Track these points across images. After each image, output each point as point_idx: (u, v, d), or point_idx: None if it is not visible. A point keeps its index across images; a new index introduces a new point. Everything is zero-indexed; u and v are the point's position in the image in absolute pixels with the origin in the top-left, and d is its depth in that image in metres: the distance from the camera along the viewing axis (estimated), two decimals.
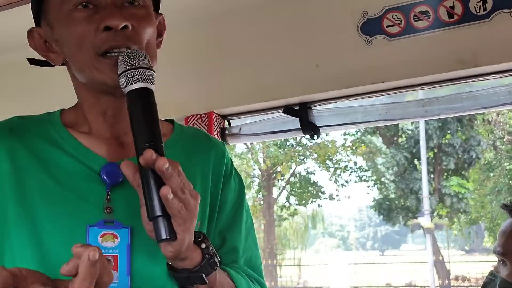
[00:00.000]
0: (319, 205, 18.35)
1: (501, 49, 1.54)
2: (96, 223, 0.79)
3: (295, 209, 17.88)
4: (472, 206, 15.81)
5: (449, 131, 14.17)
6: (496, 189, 14.72)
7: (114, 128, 0.87)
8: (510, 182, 14.72)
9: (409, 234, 13.69)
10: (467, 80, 1.64)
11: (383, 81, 1.72)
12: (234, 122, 2.00)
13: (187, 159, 0.90)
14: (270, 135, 1.95)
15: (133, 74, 0.73)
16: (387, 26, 1.71)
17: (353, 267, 16.04)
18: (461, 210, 14.86)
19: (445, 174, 15.07)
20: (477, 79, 1.62)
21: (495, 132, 14.40)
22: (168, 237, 0.69)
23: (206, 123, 1.88)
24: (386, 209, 16.04)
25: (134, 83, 0.73)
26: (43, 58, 0.89)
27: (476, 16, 1.57)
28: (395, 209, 16.01)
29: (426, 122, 13.44)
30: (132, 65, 0.73)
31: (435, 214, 15.14)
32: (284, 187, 17.46)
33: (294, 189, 17.46)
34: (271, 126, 1.93)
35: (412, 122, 13.77)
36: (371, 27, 1.73)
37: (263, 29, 1.90)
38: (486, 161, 15.09)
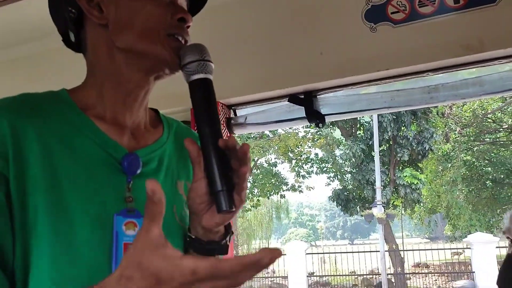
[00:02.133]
0: (281, 196, 18.72)
1: (507, 34, 1.53)
2: (120, 212, 0.81)
3: (258, 200, 18.30)
4: (428, 197, 16.20)
5: (403, 124, 14.48)
6: (452, 179, 14.99)
7: (129, 115, 0.88)
8: (467, 172, 14.95)
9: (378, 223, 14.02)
10: (473, 66, 1.63)
11: (388, 68, 1.72)
12: (240, 112, 2.00)
13: (180, 150, 0.92)
14: (275, 124, 1.95)
15: (205, 65, 0.81)
16: (392, 13, 1.70)
17: (320, 256, 16.48)
18: (415, 200, 15.21)
19: (401, 165, 15.52)
20: (482, 64, 1.62)
21: (449, 124, 14.63)
22: (229, 209, 0.78)
23: None
24: (344, 200, 16.52)
25: (204, 73, 0.81)
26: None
27: (482, 1, 1.56)
28: (352, 199, 16.55)
29: (381, 114, 13.74)
30: (203, 57, 0.82)
31: (390, 205, 15.58)
32: None
33: (256, 180, 17.91)
34: (276, 115, 1.93)
35: (369, 115, 14.02)
36: (376, 14, 1.72)
37: (267, 18, 1.89)
38: (445, 153, 15.35)
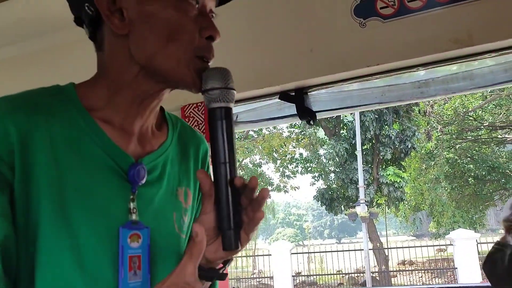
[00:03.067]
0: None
1: (496, 27, 1.55)
2: (125, 224, 0.78)
3: None
4: (412, 195, 16.51)
5: (385, 123, 14.70)
6: (435, 177, 15.30)
7: (138, 122, 0.84)
8: (450, 170, 15.27)
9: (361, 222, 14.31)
10: (463, 60, 1.64)
11: (378, 64, 1.72)
12: None
13: (183, 152, 0.91)
14: (267, 121, 1.94)
15: (227, 93, 0.78)
16: (381, 8, 1.70)
17: (306, 256, 16.66)
18: (398, 199, 15.46)
19: (384, 164, 15.73)
20: (472, 58, 1.63)
21: (431, 123, 14.93)
22: (235, 248, 0.78)
23: (203, 112, 1.87)
24: (328, 199, 16.70)
25: (226, 102, 0.78)
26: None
27: None
28: (336, 199, 16.73)
29: (363, 113, 14.04)
30: (227, 84, 0.79)
31: (374, 203, 15.77)
32: None
33: None
34: (267, 113, 1.92)
35: (351, 114, 14.21)
36: (365, 9, 1.72)
37: (256, 16, 1.88)
38: (427, 151, 15.66)
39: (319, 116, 1.88)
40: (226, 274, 0.86)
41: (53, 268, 0.73)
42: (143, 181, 0.82)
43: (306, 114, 1.85)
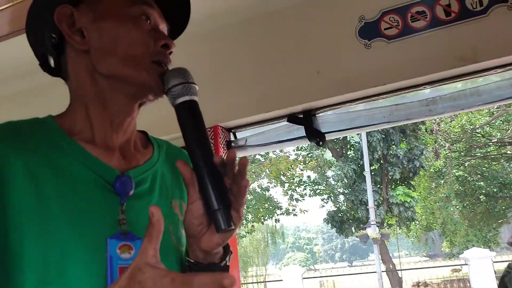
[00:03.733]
0: (276, 220, 18.59)
1: (501, 43, 1.56)
2: (114, 235, 0.78)
3: (253, 225, 18.11)
4: (423, 214, 16.27)
5: (393, 142, 14.63)
6: (445, 196, 15.11)
7: (117, 137, 0.87)
8: (460, 187, 15.10)
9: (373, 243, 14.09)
10: (469, 77, 1.65)
11: (385, 84, 1.73)
12: (240, 135, 2.00)
13: (173, 169, 0.91)
14: (276, 144, 1.95)
15: (189, 87, 0.81)
16: (385, 29, 1.73)
17: (319, 280, 16.34)
18: (409, 219, 15.26)
19: (393, 184, 15.57)
20: (478, 75, 1.64)
21: (438, 141, 14.84)
22: (227, 227, 0.77)
23: (212, 137, 1.88)
24: (338, 222, 16.45)
25: (189, 95, 0.81)
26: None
27: (473, 12, 1.59)
28: (346, 220, 16.48)
29: (370, 134, 14.01)
30: (187, 79, 0.82)
31: (385, 224, 15.54)
32: None
33: (250, 206, 17.68)
34: (276, 136, 1.93)
35: (358, 135, 14.20)
36: (369, 31, 1.75)
37: (262, 40, 1.91)
38: (436, 169, 15.52)
39: (328, 137, 1.89)
40: (228, 266, 0.85)
41: (37, 285, 0.73)
42: (131, 192, 0.83)
43: (315, 135, 1.86)
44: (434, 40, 1.66)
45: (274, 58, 1.88)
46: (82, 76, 0.86)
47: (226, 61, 1.95)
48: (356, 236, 16.83)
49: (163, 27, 0.91)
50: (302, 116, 1.87)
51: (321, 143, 1.88)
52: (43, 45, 0.87)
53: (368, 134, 14.11)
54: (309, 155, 17.15)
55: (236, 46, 1.95)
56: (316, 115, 1.88)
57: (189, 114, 0.80)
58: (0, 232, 0.74)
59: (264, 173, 17.25)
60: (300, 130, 1.88)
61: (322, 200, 18.31)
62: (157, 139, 0.99)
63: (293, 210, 18.06)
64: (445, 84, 1.71)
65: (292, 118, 1.87)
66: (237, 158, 0.79)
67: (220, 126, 1.93)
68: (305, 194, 18.05)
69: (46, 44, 0.87)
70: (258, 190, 17.82)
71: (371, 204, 14.21)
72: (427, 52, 1.67)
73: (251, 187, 17.67)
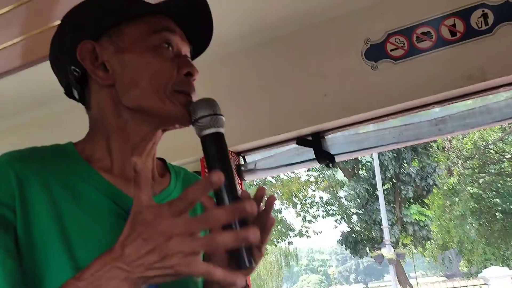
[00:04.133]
0: (289, 242, 18.28)
1: (508, 61, 1.56)
2: None
3: (266, 248, 17.75)
4: (439, 233, 15.95)
5: (404, 161, 14.46)
6: (460, 213, 14.83)
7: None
8: (475, 205, 14.82)
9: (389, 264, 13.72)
10: (478, 95, 1.64)
11: (393, 104, 1.73)
12: (249, 158, 2.00)
13: None
14: (285, 167, 1.95)
15: (217, 119, 0.80)
16: (391, 50, 1.74)
17: None
18: (424, 238, 14.93)
19: (406, 203, 15.31)
20: (487, 93, 1.63)
21: (451, 158, 14.66)
22: (249, 265, 0.76)
23: None
24: (352, 242, 16.18)
25: (216, 127, 0.80)
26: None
27: (479, 32, 1.60)
28: (361, 241, 16.24)
29: (381, 153, 13.92)
30: (215, 111, 0.81)
31: (400, 244, 15.22)
32: None
33: None
34: (286, 159, 1.93)
35: (370, 154, 14.09)
36: (375, 52, 1.76)
37: (270, 64, 1.93)
38: (450, 187, 15.28)
39: (337, 159, 1.88)
40: None
41: None
42: None
43: (325, 157, 1.86)
44: (441, 60, 1.66)
45: (281, 81, 1.89)
46: (105, 108, 0.86)
47: (234, 85, 1.97)
48: (371, 257, 16.55)
49: (186, 50, 0.90)
50: (311, 138, 1.87)
51: (331, 165, 1.88)
52: (67, 77, 0.88)
53: (380, 153, 14.02)
54: (321, 176, 17.06)
55: (244, 71, 1.97)
56: (325, 137, 1.88)
57: (216, 147, 0.79)
58: (28, 249, 0.75)
59: (275, 194, 17.18)
60: (310, 153, 1.88)
61: (336, 221, 18.14)
62: (174, 166, 0.99)
63: (306, 231, 17.90)
64: (454, 103, 1.70)
65: (301, 141, 1.87)
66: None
67: (230, 150, 1.93)
68: (318, 215, 17.90)
69: (69, 77, 0.87)
70: None
71: (385, 223, 14.02)
72: (434, 72, 1.67)
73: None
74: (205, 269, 0.62)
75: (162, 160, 0.98)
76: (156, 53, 0.84)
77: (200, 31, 0.93)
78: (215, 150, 0.79)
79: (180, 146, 1.85)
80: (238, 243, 0.62)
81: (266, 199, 0.77)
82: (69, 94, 0.91)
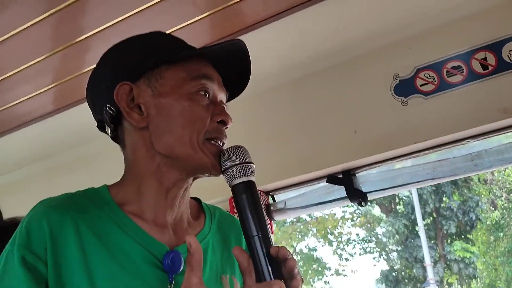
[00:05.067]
0: (325, 282, 17.61)
1: None
2: None
3: None
4: (484, 270, 15.04)
5: (444, 194, 13.88)
6: (507, 250, 14.01)
7: (170, 210, 0.86)
8: None
9: None
10: None
11: (425, 140, 1.69)
12: (279, 197, 1.98)
13: (224, 240, 0.90)
14: (316, 206, 1.91)
15: (247, 167, 0.80)
16: (421, 85, 1.71)
17: None
18: (471, 276, 14.09)
19: (448, 238, 14.56)
20: None
21: (494, 191, 14.01)
22: None
23: None
24: (393, 281, 15.40)
25: (246, 176, 0.79)
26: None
27: (510, 65, 1.55)
28: (402, 280, 15.41)
29: (420, 187, 13.26)
30: (245, 159, 0.80)
31: (444, 283, 14.40)
32: None
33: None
34: (316, 197, 1.89)
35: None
36: (405, 88, 1.73)
37: (299, 103, 1.93)
38: (494, 221, 14.54)
39: (370, 196, 1.83)
40: None
41: None
42: (180, 269, 0.80)
43: (357, 195, 1.81)
44: (473, 94, 1.62)
45: (311, 119, 1.88)
46: (138, 150, 0.86)
47: (263, 123, 1.97)
48: None
49: (222, 97, 0.90)
50: (341, 176, 1.84)
51: (363, 203, 1.83)
52: (101, 114, 0.88)
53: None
54: (356, 212, 16.68)
55: (273, 109, 1.97)
56: (357, 175, 1.84)
57: (246, 196, 0.78)
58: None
59: (310, 232, 16.83)
60: (341, 191, 1.84)
61: (373, 258, 17.54)
62: (209, 206, 0.98)
63: (343, 270, 17.36)
64: (490, 137, 1.64)
65: (332, 179, 1.84)
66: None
67: (259, 190, 1.92)
68: (355, 252, 17.38)
69: (104, 115, 0.87)
70: (305, 250, 17.31)
71: (428, 261, 13.37)
72: (467, 106, 1.63)
73: (297, 248, 17.18)
74: None
75: (197, 199, 0.97)
76: (193, 100, 0.84)
77: (237, 77, 0.94)
78: (248, 200, 0.78)
79: (208, 186, 1.85)
80: None
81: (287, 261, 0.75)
82: (101, 128, 0.91)
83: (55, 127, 2.07)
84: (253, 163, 0.80)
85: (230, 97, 0.95)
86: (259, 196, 0.79)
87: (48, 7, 1.29)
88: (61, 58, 1.36)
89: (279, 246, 0.76)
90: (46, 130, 2.14)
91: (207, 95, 0.86)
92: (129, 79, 0.85)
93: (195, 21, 1.46)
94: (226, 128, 0.87)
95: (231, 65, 0.91)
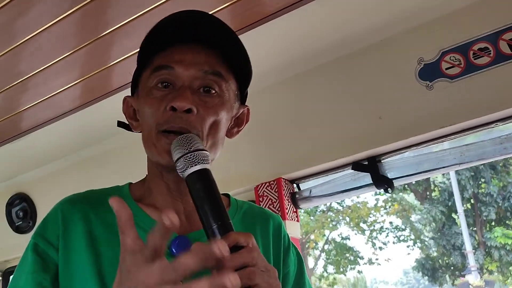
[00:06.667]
0: (359, 271, 17.27)
1: None
2: None
3: (334, 278, 17.02)
4: None
5: (483, 180, 13.41)
6: None
7: (178, 201, 0.88)
8: None
9: None
10: None
11: (452, 124, 1.66)
12: (304, 186, 1.98)
13: (248, 231, 0.90)
14: (342, 194, 1.90)
15: (190, 157, 0.73)
16: (446, 69, 1.67)
17: None
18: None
19: (488, 225, 14.08)
20: None
21: None
22: None
23: (276, 190, 1.88)
24: (430, 269, 15.05)
25: (192, 166, 0.73)
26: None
27: None
28: (439, 268, 15.05)
29: (457, 172, 12.84)
30: (188, 148, 0.74)
31: (484, 270, 13.93)
32: (319, 256, 16.84)
33: (330, 257, 16.69)
34: (342, 185, 1.88)
35: (443, 174, 13.14)
36: (430, 72, 1.70)
37: (322, 90, 1.92)
38: None
39: (396, 183, 1.81)
40: None
41: None
42: None
43: (383, 182, 1.80)
44: (501, 76, 1.58)
45: (335, 106, 1.87)
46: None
47: (286, 112, 1.98)
48: (453, 285, 15.44)
49: (189, 75, 0.81)
50: (367, 163, 1.82)
51: (389, 190, 1.81)
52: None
53: (456, 172, 13.19)
54: (390, 199, 16.40)
55: (297, 97, 1.97)
56: (382, 161, 1.82)
57: (197, 187, 0.72)
58: (65, 281, 0.80)
59: (343, 221, 16.69)
60: (366, 178, 1.83)
61: (408, 247, 17.26)
62: (238, 201, 0.97)
63: (376, 259, 17.16)
64: None
65: (357, 166, 1.83)
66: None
67: (283, 178, 1.92)
68: (388, 241, 17.11)
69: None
70: (338, 239, 17.18)
71: (468, 248, 12.95)
72: (495, 88, 1.58)
73: (330, 236, 17.00)
74: None
75: (227, 195, 0.97)
76: (150, 94, 0.83)
77: (214, 35, 0.85)
78: (197, 189, 0.72)
79: (234, 176, 1.88)
80: None
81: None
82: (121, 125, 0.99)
83: (85, 121, 2.12)
84: (199, 150, 0.73)
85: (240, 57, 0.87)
86: (212, 182, 0.73)
87: (72, 3, 1.33)
88: (86, 52, 1.40)
89: (235, 233, 0.70)
90: (72, 125, 2.19)
91: (168, 85, 0.82)
92: (132, 91, 0.93)
93: (216, 11, 1.47)
94: (189, 113, 0.79)
95: (197, 30, 0.84)
